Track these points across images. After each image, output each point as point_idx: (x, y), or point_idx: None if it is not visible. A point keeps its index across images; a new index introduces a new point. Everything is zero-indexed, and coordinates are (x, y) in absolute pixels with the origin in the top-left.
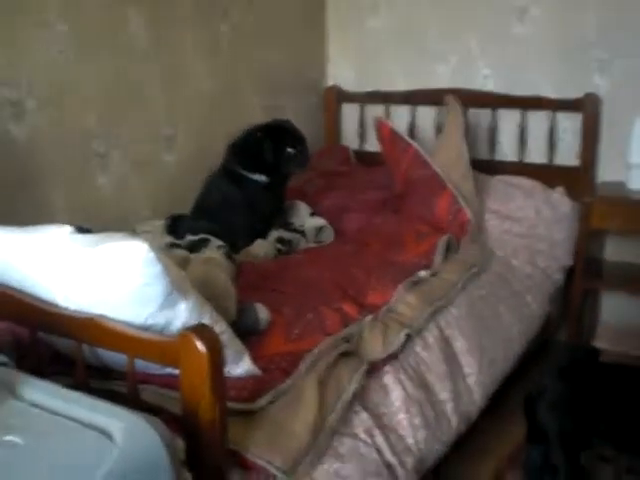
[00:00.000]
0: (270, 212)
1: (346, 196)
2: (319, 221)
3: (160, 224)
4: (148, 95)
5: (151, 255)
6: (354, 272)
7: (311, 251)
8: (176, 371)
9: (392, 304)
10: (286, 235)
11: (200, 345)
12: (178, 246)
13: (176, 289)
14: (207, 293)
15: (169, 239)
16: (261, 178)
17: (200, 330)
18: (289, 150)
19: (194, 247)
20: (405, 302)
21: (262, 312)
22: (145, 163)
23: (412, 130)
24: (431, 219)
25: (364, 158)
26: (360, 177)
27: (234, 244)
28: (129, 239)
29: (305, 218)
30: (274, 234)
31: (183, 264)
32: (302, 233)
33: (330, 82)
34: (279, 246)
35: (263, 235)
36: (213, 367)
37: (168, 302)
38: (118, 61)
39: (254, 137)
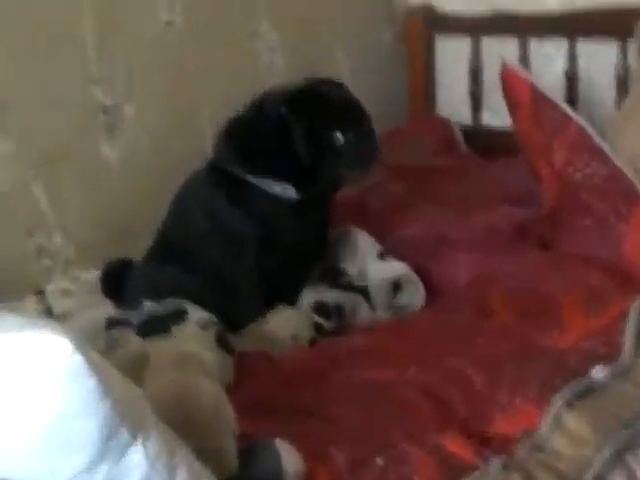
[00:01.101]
0: (303, 253)
1: (447, 217)
2: (396, 268)
3: (91, 277)
4: (69, 37)
5: (77, 359)
6: (464, 371)
7: (381, 328)
8: None
9: (540, 436)
10: (331, 297)
11: None
12: (125, 325)
13: (125, 423)
14: (182, 424)
15: (107, 310)
16: (286, 191)
17: None
18: (338, 136)
19: (156, 326)
20: (566, 431)
21: (288, 458)
22: (63, 159)
23: (572, 87)
24: (614, 262)
25: (481, 141)
26: (474, 179)
27: (234, 317)
28: (36, 325)
29: (369, 262)
30: (309, 296)
31: (137, 369)
32: (363, 292)
33: None
34: (319, 319)
35: (289, 297)
36: None
37: (109, 449)
38: None
39: (272, 114)
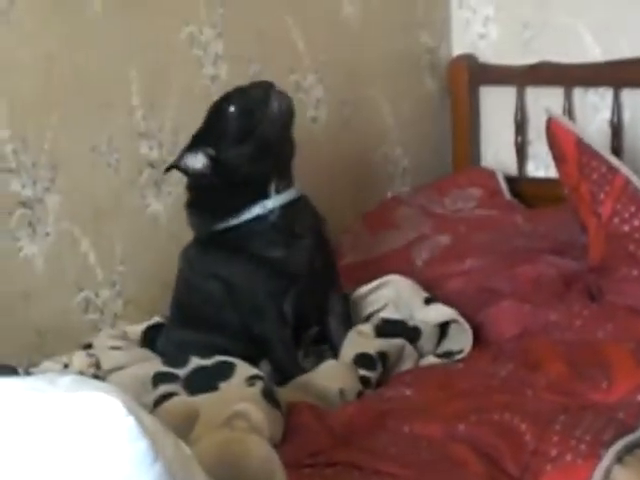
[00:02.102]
0: (313, 284)
1: (493, 268)
2: (443, 312)
3: (138, 331)
4: (117, 92)
5: (129, 421)
6: (513, 425)
7: (429, 381)
8: None
9: None
10: (374, 346)
11: None
12: (173, 380)
13: None
14: None
15: (155, 364)
16: (265, 205)
17: None
18: (230, 109)
19: (203, 381)
20: None
21: None
22: (111, 214)
23: (617, 137)
24: None
25: (527, 192)
26: (519, 229)
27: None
28: (88, 386)
29: (415, 309)
30: (350, 349)
31: (185, 425)
32: (413, 333)
33: (458, 50)
34: (363, 372)
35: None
36: None
37: None
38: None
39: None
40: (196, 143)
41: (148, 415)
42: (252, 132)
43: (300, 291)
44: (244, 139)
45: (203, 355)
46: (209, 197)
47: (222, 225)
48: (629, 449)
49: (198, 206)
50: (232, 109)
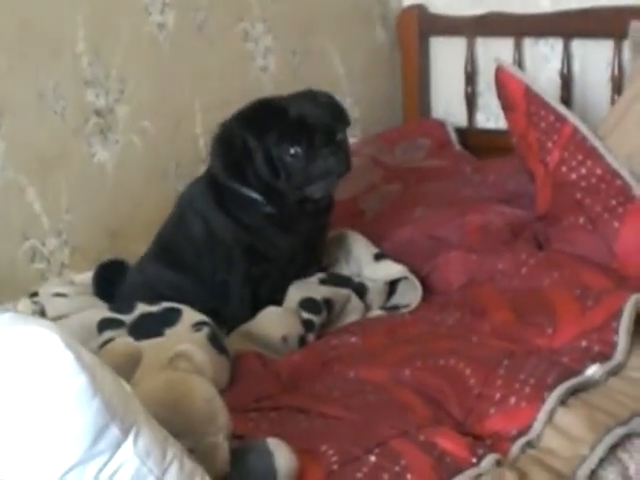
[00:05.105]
0: (290, 268)
1: (441, 218)
2: (391, 269)
3: (85, 279)
4: (62, 40)
5: (67, 355)
6: (458, 370)
7: (374, 328)
8: None
9: (534, 433)
10: (320, 292)
11: None
12: (118, 326)
13: (115, 420)
14: (174, 423)
15: (101, 312)
16: (256, 196)
17: None
18: (293, 151)
19: (149, 327)
20: (559, 429)
21: (281, 456)
22: (57, 162)
23: (567, 88)
24: (607, 260)
25: (475, 142)
26: (468, 179)
27: (225, 319)
28: (27, 321)
29: (364, 265)
30: (296, 293)
31: (129, 367)
32: (359, 288)
33: (408, 0)
34: (308, 315)
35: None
36: None
37: (100, 445)
38: None
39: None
40: (267, 117)
41: (87, 351)
42: (290, 180)
43: (271, 273)
44: (276, 174)
45: (165, 295)
46: (237, 152)
47: (229, 181)
48: (573, 392)
49: (227, 148)
50: (294, 151)
